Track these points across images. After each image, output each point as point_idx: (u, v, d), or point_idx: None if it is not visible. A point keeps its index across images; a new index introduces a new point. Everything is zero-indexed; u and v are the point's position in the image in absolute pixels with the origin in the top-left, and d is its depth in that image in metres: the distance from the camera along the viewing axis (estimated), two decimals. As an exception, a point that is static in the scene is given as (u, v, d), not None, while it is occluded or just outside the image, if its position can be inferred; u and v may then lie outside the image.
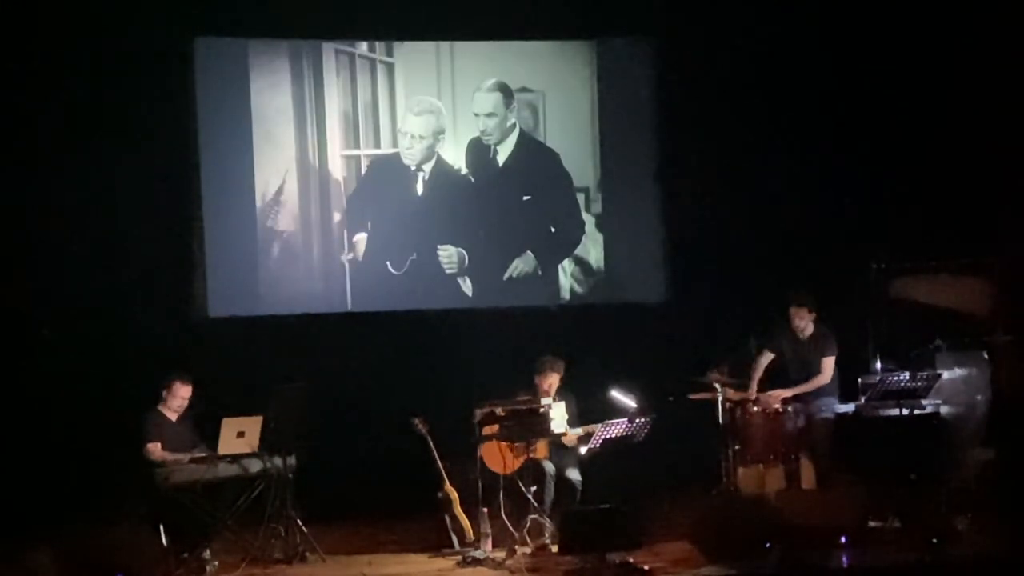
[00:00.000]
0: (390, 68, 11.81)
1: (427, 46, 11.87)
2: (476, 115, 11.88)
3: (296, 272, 11.64)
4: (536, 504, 9.07)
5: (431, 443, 9.33)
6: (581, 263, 12.10)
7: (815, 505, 8.95)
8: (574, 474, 9.26)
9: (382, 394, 10.93)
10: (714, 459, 9.85)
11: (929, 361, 10.27)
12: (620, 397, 9.49)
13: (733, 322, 10.77)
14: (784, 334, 9.95)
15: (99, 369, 10.50)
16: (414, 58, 11.84)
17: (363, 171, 11.76)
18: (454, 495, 9.29)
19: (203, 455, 9.03)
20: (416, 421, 9.36)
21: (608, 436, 8.93)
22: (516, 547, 8.82)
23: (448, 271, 11.81)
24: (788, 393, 9.80)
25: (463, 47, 11.91)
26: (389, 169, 11.78)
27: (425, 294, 11.74)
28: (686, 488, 10.10)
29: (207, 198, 11.41)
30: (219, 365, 10.35)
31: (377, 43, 11.79)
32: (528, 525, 9.02)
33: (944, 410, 9.96)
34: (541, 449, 9.18)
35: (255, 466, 9.05)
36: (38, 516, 9.42)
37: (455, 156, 11.87)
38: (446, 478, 9.32)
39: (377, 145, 11.81)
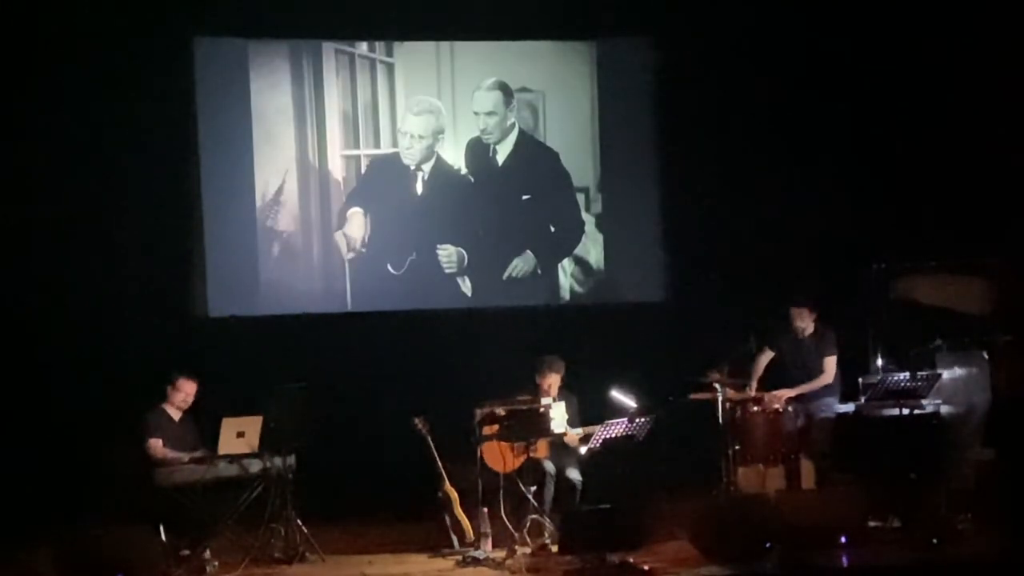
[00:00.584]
0: (390, 68, 11.81)
1: (427, 46, 11.87)
2: (476, 114, 11.88)
3: (296, 272, 11.64)
4: (536, 504, 9.06)
5: (431, 443, 9.33)
6: (581, 263, 12.10)
7: (815, 505, 8.94)
8: (574, 474, 9.26)
9: (382, 394, 10.93)
10: (714, 459, 9.84)
11: (929, 361, 10.25)
12: (620, 397, 9.49)
13: (733, 322, 10.76)
14: (784, 334, 9.95)
15: (99, 369, 10.50)
16: (414, 58, 11.85)
17: (363, 171, 11.77)
18: (454, 495, 9.28)
19: (202, 455, 9.03)
20: (416, 421, 9.35)
21: (608, 436, 8.93)
22: (516, 547, 8.81)
23: (448, 271, 11.81)
24: (792, 393, 9.78)
25: (463, 47, 11.91)
26: (389, 169, 11.78)
27: (425, 294, 11.74)
28: (686, 488, 10.08)
29: (207, 198, 11.42)
30: (219, 365, 10.32)
31: (377, 43, 11.79)
32: (528, 525, 9.01)
33: (944, 410, 9.93)
34: (541, 449, 9.18)
35: (255, 466, 9.04)
36: (38, 516, 9.43)
37: (455, 156, 11.87)
38: (446, 478, 9.31)
39: (377, 145, 11.81)
